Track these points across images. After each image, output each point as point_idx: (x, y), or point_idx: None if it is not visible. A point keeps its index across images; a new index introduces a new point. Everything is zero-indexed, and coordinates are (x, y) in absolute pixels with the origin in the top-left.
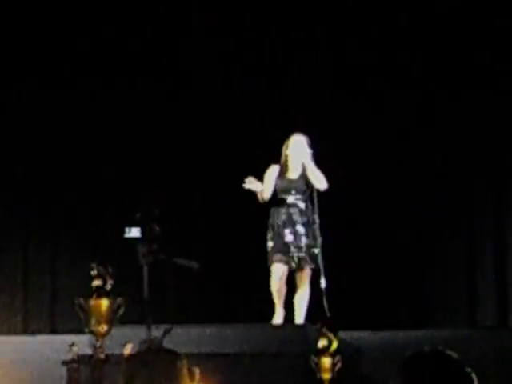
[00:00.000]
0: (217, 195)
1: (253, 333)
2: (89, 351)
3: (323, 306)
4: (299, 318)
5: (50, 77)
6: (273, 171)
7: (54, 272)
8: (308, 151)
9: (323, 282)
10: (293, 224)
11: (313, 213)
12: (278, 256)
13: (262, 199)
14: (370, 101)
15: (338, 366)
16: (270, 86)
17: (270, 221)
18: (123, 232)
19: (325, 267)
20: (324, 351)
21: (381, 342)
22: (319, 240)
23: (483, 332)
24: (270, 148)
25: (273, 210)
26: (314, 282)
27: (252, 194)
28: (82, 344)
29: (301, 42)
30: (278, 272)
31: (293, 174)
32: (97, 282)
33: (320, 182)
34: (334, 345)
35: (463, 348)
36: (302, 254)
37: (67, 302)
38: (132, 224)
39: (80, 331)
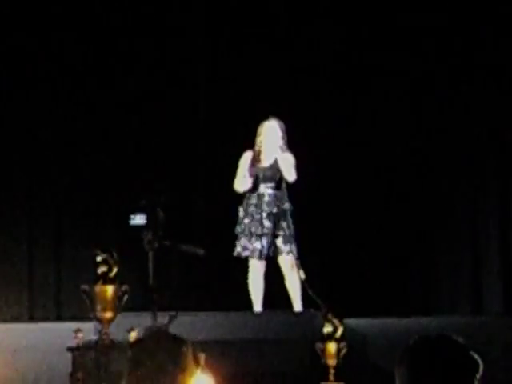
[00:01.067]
0: (222, 182)
1: (258, 319)
2: (94, 338)
3: (312, 298)
4: (297, 305)
5: (54, 66)
6: (246, 160)
7: (59, 259)
8: (280, 139)
9: (302, 274)
10: (262, 213)
11: (283, 201)
12: (249, 251)
13: (236, 190)
14: (364, 87)
15: (343, 352)
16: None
17: (240, 208)
18: (128, 219)
19: (300, 257)
20: (329, 337)
21: (386, 328)
22: (291, 229)
23: (489, 318)
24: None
25: (245, 197)
26: None
27: None
28: (87, 331)
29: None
30: (255, 268)
31: (265, 161)
32: (102, 269)
33: (289, 173)
34: (340, 331)
35: (469, 334)
36: (277, 242)
37: (72, 289)
38: (137, 211)
39: (85, 318)
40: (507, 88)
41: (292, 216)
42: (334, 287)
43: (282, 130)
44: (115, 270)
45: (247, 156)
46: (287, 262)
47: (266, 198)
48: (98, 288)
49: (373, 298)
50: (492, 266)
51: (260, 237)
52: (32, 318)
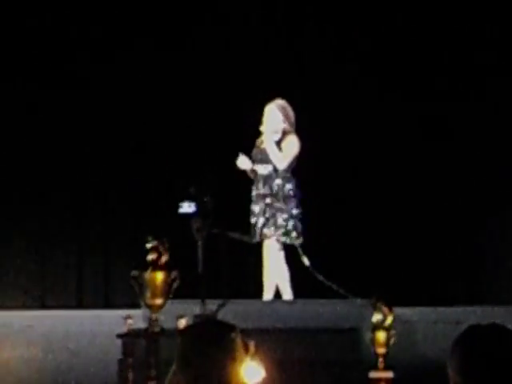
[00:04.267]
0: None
1: (306, 308)
2: (142, 325)
3: (324, 283)
4: (286, 294)
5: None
6: (257, 143)
7: (108, 246)
8: (279, 122)
9: (306, 260)
10: (261, 196)
11: (284, 184)
12: (260, 232)
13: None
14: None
15: (393, 340)
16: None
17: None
18: (178, 207)
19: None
20: (379, 326)
21: (434, 317)
22: (289, 213)
23: None
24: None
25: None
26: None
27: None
28: (135, 318)
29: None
30: (265, 250)
31: (265, 143)
32: (152, 256)
33: (278, 161)
34: (389, 319)
35: None
36: (267, 227)
37: (120, 277)
38: (186, 199)
39: (133, 305)
40: None
41: (293, 199)
42: (381, 276)
43: (283, 113)
44: (165, 257)
45: (257, 141)
46: (270, 247)
47: (265, 181)
48: (148, 275)
49: (421, 287)
50: None
51: (256, 222)
52: (80, 305)
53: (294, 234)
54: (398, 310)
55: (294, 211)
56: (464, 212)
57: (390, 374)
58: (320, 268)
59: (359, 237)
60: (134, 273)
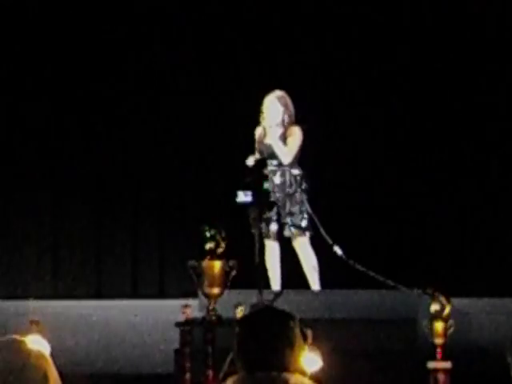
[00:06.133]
0: (330, 160)
1: (361, 298)
2: (198, 315)
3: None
4: (313, 285)
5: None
6: (256, 136)
7: (164, 236)
8: (280, 114)
9: (338, 250)
10: (272, 193)
11: (294, 180)
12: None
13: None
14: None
15: (451, 331)
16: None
17: None
18: (235, 196)
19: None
20: (437, 316)
21: (492, 308)
22: (302, 207)
23: None
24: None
25: None
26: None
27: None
28: (191, 307)
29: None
30: (268, 249)
31: (268, 138)
32: (210, 245)
33: (283, 155)
34: (447, 310)
35: None
36: (286, 222)
37: (175, 266)
38: (242, 188)
39: (188, 295)
40: None
41: (305, 193)
42: (438, 267)
43: (283, 105)
44: (223, 246)
45: (257, 132)
46: (297, 243)
47: (274, 177)
48: (206, 264)
49: (479, 278)
50: None
51: (270, 219)
52: (135, 295)
53: (307, 224)
54: (456, 301)
55: (306, 204)
56: None
57: (448, 365)
58: (372, 259)
59: (416, 226)
60: (192, 262)
